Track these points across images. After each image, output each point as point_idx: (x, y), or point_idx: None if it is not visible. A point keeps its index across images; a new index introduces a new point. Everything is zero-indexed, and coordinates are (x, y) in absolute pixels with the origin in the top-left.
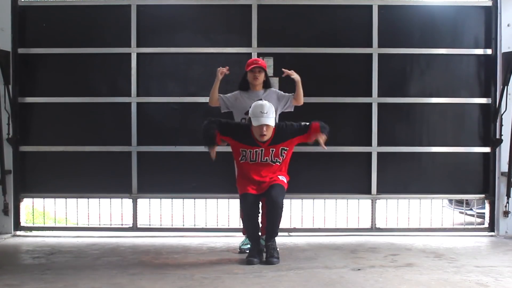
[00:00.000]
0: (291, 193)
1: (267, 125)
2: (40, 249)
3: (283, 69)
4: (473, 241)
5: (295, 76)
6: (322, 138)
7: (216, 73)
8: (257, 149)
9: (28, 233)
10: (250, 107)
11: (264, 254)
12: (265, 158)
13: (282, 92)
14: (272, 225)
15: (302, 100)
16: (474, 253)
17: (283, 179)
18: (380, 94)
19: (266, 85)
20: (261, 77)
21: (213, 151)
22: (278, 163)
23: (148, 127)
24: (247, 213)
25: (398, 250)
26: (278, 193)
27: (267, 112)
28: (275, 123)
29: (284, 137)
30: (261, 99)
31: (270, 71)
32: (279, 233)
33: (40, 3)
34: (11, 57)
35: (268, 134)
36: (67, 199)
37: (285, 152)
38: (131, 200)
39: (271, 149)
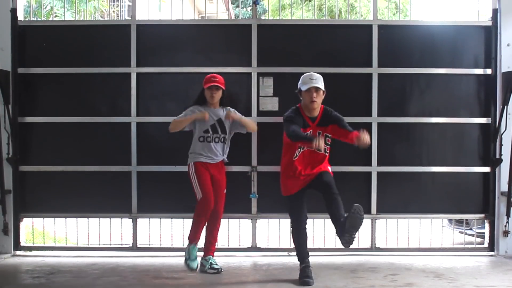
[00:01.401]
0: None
1: (317, 88)
2: (40, 268)
3: (226, 113)
4: (473, 261)
5: (237, 116)
6: (366, 137)
7: (200, 113)
8: (308, 132)
9: (28, 253)
10: (211, 120)
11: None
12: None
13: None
14: (333, 191)
15: (253, 127)
16: (474, 273)
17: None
18: (380, 114)
19: (223, 103)
20: (218, 95)
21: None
22: (324, 153)
23: (148, 147)
24: (296, 218)
25: (398, 269)
26: (330, 179)
27: (316, 79)
28: (324, 106)
29: (330, 119)
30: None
31: (269, 91)
32: (278, 253)
33: (40, 22)
34: (11, 76)
35: (318, 100)
36: (67, 218)
37: (329, 139)
38: (131, 220)
39: (318, 131)
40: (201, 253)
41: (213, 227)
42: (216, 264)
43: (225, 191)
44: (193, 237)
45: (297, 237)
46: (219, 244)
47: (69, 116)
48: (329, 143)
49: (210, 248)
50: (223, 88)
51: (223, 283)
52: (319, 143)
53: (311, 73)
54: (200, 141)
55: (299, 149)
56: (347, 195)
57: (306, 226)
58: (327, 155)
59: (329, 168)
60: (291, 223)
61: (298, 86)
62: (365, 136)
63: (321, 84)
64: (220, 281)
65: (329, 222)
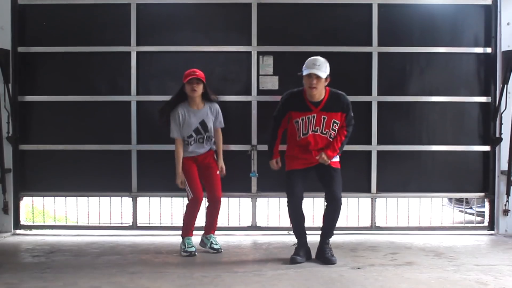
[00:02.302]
0: None
1: (317, 76)
2: (40, 247)
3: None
4: (473, 240)
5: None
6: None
7: (179, 175)
8: (309, 115)
9: (28, 232)
10: (195, 124)
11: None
12: (316, 127)
13: (220, 114)
14: (332, 224)
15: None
16: (474, 252)
17: (337, 160)
18: (380, 93)
19: (205, 97)
20: (199, 89)
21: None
22: (330, 137)
23: (148, 125)
24: (292, 198)
25: (398, 248)
26: (339, 189)
27: (320, 65)
28: (331, 89)
29: (338, 106)
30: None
31: (270, 70)
32: (278, 232)
33: (40, 1)
34: (11, 55)
35: (318, 87)
36: (67, 197)
37: (336, 126)
38: (130, 198)
39: (322, 116)
40: (201, 232)
41: (214, 210)
42: (216, 244)
43: (218, 172)
44: (186, 232)
45: (290, 213)
46: (219, 223)
47: (69, 95)
48: (335, 128)
49: (211, 227)
50: (204, 81)
51: (223, 262)
52: (274, 166)
53: (317, 57)
54: (185, 143)
55: (299, 133)
56: (347, 173)
57: (302, 205)
58: (337, 145)
59: (337, 159)
60: (286, 199)
61: (302, 69)
62: (323, 157)
63: (323, 71)
64: (220, 259)
65: None
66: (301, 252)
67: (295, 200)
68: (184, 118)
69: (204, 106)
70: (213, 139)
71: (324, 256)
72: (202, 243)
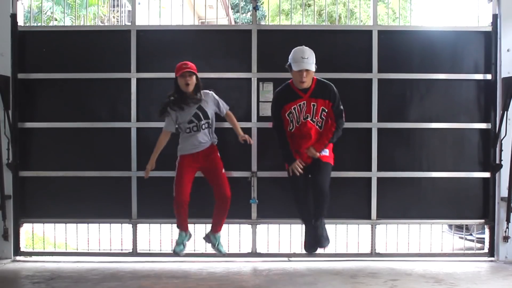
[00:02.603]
0: (290, 218)
1: (307, 70)
2: (40, 274)
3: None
4: (473, 266)
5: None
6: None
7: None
8: (300, 103)
9: (28, 258)
10: (193, 111)
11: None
12: (307, 115)
13: (218, 99)
14: (321, 208)
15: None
16: (474, 278)
17: (326, 154)
18: (380, 119)
19: (198, 88)
20: (192, 81)
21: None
22: (320, 127)
23: (148, 152)
24: (292, 187)
25: (398, 275)
26: (325, 179)
27: (308, 58)
28: (318, 78)
29: (325, 94)
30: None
31: (270, 96)
32: (279, 259)
33: (40, 28)
34: (11, 82)
35: (307, 80)
36: (67, 224)
37: (325, 114)
38: (131, 225)
39: (312, 103)
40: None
41: (222, 208)
42: (222, 247)
43: (223, 171)
44: (179, 226)
45: (296, 207)
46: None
47: (69, 122)
48: (324, 117)
49: (218, 225)
50: (196, 73)
51: None
52: (295, 166)
53: (303, 48)
54: (187, 132)
55: (291, 125)
56: (347, 200)
57: (308, 197)
58: (327, 138)
59: (327, 154)
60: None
61: (289, 61)
62: (311, 151)
63: (312, 64)
64: (219, 286)
65: (328, 227)
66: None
67: (299, 194)
68: (180, 112)
69: (198, 95)
70: (213, 132)
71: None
72: (208, 239)
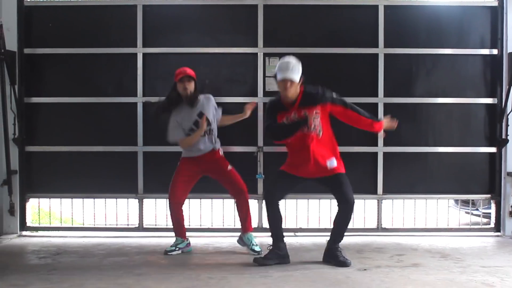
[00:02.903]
0: (297, 193)
1: (291, 81)
2: (46, 249)
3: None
4: (479, 241)
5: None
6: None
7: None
8: (287, 116)
9: (34, 233)
10: (193, 117)
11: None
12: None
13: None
14: (343, 227)
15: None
16: (480, 253)
17: (341, 167)
18: (386, 94)
19: (196, 95)
20: (191, 86)
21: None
22: (318, 135)
23: (154, 127)
24: (269, 196)
25: (404, 250)
26: (349, 190)
27: (292, 69)
28: (306, 88)
29: (313, 101)
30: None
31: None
32: (286, 233)
33: (46, 3)
34: (17, 57)
35: (291, 90)
36: (73, 199)
37: (320, 118)
38: (137, 200)
39: (303, 111)
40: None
41: (242, 204)
42: (257, 245)
43: (230, 168)
44: (175, 232)
45: (267, 211)
46: (225, 224)
47: (75, 97)
48: (320, 123)
49: (245, 224)
50: (195, 79)
51: (230, 264)
52: (311, 122)
53: (289, 60)
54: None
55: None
56: (353, 175)
57: (279, 205)
58: (329, 142)
59: (335, 164)
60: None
61: (275, 71)
62: (392, 125)
63: (296, 74)
64: (227, 261)
65: (335, 202)
66: (272, 256)
67: (270, 198)
68: (181, 119)
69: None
70: (216, 138)
71: (337, 259)
72: (241, 241)
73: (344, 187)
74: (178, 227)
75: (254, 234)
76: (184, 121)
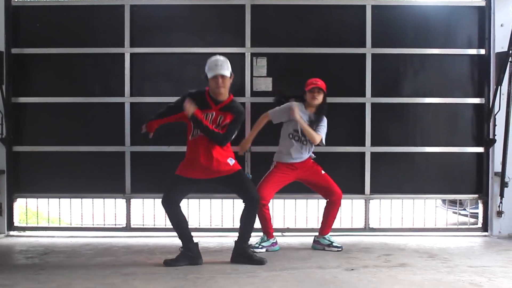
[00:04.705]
0: (284, 193)
1: (222, 76)
2: (33, 249)
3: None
4: (467, 241)
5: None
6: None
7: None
8: (208, 112)
9: (22, 233)
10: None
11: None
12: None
13: (325, 126)
14: (248, 226)
15: (314, 139)
16: (468, 253)
17: (232, 161)
18: (373, 94)
19: (320, 108)
20: (320, 98)
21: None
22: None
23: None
24: (166, 200)
25: (392, 250)
26: (250, 185)
27: (222, 65)
28: (234, 98)
29: (233, 110)
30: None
31: (263, 71)
32: (274, 233)
33: (33, 3)
34: (5, 57)
35: (225, 85)
36: (61, 199)
37: (225, 128)
38: (124, 200)
39: (220, 116)
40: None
41: (330, 210)
42: (335, 241)
43: (323, 172)
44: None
45: (169, 218)
46: (213, 224)
47: (63, 97)
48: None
49: (325, 229)
50: (325, 92)
51: (217, 263)
52: (188, 106)
53: (217, 58)
54: (290, 137)
55: (196, 130)
56: (341, 175)
57: (179, 208)
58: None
59: (232, 163)
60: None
61: (205, 71)
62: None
63: (226, 70)
64: (215, 261)
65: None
66: (183, 258)
67: (169, 202)
68: (286, 111)
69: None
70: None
71: (252, 259)
72: (318, 244)
73: (246, 183)
74: (265, 225)
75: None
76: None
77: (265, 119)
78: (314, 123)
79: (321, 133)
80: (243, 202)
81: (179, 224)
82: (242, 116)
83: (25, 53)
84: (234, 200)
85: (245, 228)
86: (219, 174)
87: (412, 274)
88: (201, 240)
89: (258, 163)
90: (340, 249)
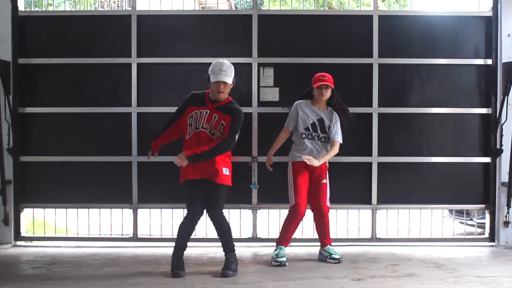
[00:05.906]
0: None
1: (225, 83)
2: (40, 259)
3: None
4: (474, 251)
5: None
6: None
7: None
8: (203, 110)
9: (29, 243)
10: (310, 121)
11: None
12: (206, 125)
13: (338, 122)
14: (224, 239)
15: (335, 152)
16: (475, 263)
17: (226, 172)
18: (380, 104)
19: (330, 102)
20: (328, 93)
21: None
22: (215, 137)
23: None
24: (192, 204)
25: (399, 260)
26: (216, 202)
27: (226, 71)
28: (232, 100)
29: (229, 111)
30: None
31: (270, 81)
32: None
33: (40, 13)
34: (12, 67)
35: (225, 91)
36: (68, 209)
37: (223, 128)
38: (131, 210)
39: (214, 114)
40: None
41: (320, 222)
42: (336, 254)
43: (324, 181)
44: (281, 240)
45: (181, 225)
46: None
47: (70, 107)
48: (222, 131)
49: (323, 240)
50: (333, 87)
51: (216, 273)
52: (178, 162)
53: (222, 62)
54: (303, 138)
55: (189, 130)
56: (348, 185)
57: (196, 221)
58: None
59: (225, 171)
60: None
61: (209, 72)
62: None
63: (230, 77)
64: (219, 271)
65: (332, 212)
66: (181, 265)
67: (190, 218)
68: (297, 112)
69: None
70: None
71: (222, 269)
72: (321, 255)
73: (220, 199)
74: (288, 234)
75: (248, 244)
76: (302, 119)
77: (284, 132)
78: (328, 126)
79: (337, 139)
80: (206, 211)
81: (183, 238)
82: (241, 115)
83: (32, 63)
84: (241, 210)
85: (222, 239)
86: (210, 175)
87: (420, 284)
88: (208, 250)
89: (265, 173)
90: (337, 261)
